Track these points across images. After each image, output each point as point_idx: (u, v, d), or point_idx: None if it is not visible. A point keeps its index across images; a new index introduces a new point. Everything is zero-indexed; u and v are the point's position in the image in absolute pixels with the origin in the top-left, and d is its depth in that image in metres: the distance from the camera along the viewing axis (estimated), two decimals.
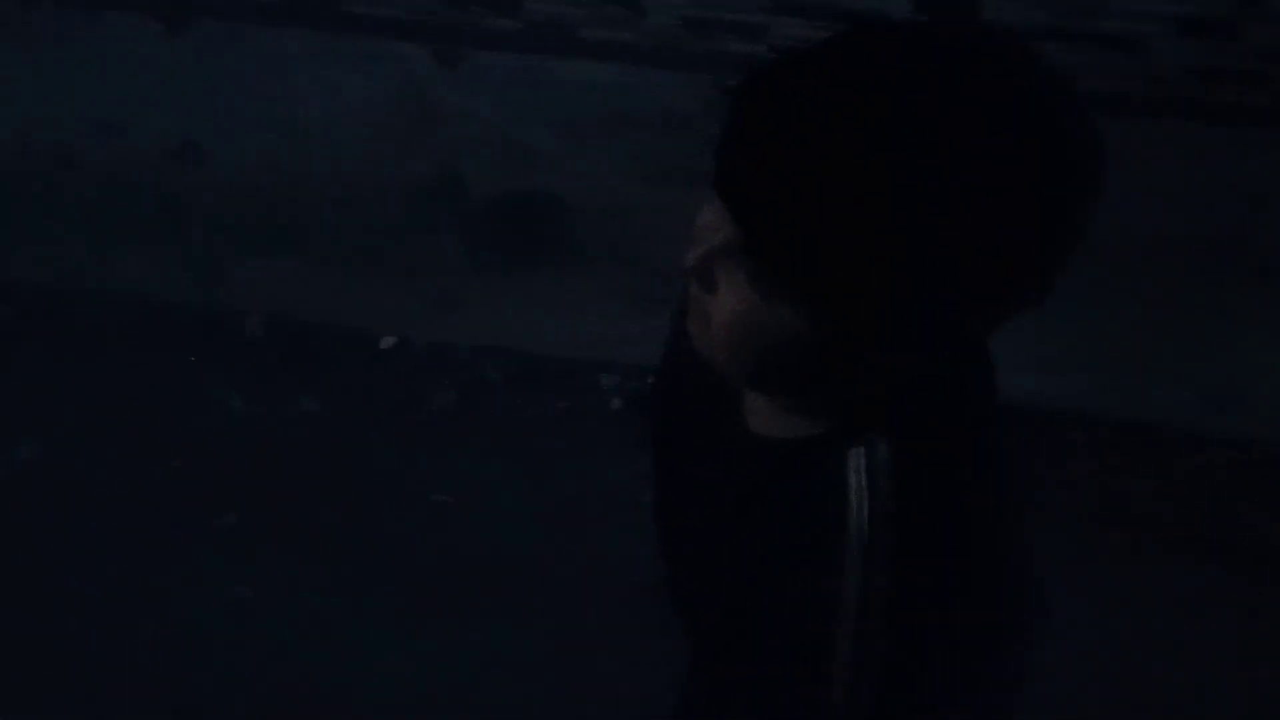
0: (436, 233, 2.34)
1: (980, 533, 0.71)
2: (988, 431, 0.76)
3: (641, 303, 2.28)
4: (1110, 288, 2.18)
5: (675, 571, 0.88)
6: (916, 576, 0.68)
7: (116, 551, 1.99)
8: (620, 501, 1.82)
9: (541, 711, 1.80)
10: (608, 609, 1.84)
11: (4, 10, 2.16)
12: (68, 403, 2.25)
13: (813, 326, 0.63)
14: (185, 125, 2.29)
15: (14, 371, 2.30)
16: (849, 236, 0.58)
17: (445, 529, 2.08)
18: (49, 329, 2.39)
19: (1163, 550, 2.09)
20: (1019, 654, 0.83)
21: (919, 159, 0.57)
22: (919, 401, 0.70)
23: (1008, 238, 0.59)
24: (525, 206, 2.29)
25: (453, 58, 2.15)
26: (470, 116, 2.20)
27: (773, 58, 0.63)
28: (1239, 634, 1.93)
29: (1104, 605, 1.96)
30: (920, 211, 0.57)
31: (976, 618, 0.72)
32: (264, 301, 2.45)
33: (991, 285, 0.61)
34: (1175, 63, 1.96)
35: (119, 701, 1.79)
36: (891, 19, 0.68)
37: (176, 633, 1.88)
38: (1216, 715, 1.84)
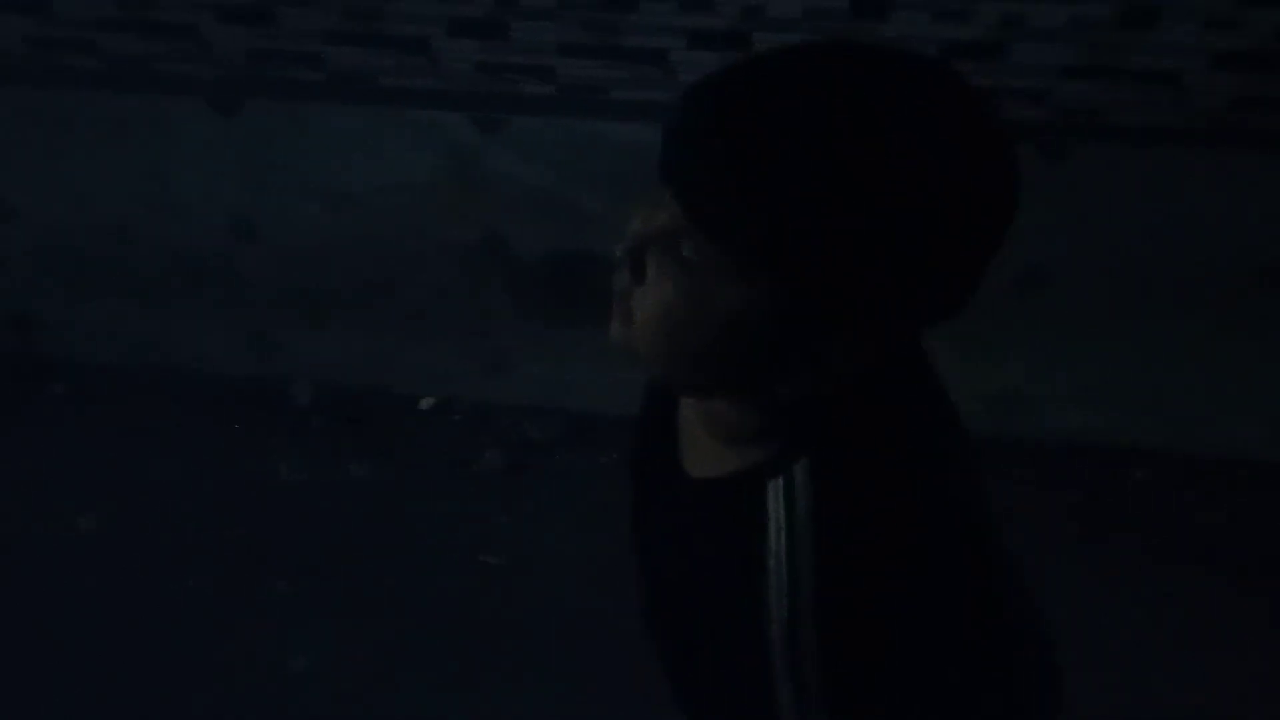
0: (483, 295, 2.37)
1: (921, 545, 0.67)
2: (932, 441, 0.72)
3: None
4: (1163, 321, 2.13)
5: (650, 609, 0.88)
6: (847, 595, 0.64)
7: (172, 621, 2.01)
8: None
9: None
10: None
11: (67, 96, 2.26)
12: (124, 475, 2.30)
13: (750, 304, 0.60)
14: (238, 201, 2.35)
15: (73, 445, 2.36)
16: (801, 202, 0.56)
17: (496, 590, 2.07)
18: (105, 402, 2.46)
19: (1235, 583, 2.01)
20: (1010, 661, 0.78)
21: (868, 125, 0.56)
22: (848, 415, 0.67)
23: (945, 209, 0.58)
24: (569, 266, 2.31)
25: (493, 124, 2.19)
26: (513, 180, 2.23)
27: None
28: (1242, 641, 1.86)
29: (1179, 639, 1.89)
30: (869, 176, 0.56)
31: (927, 628, 0.67)
32: (313, 368, 2.49)
33: (930, 261, 0.59)
34: (1215, 94, 1.93)
35: None
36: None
37: (230, 704, 1.88)
38: None
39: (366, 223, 2.32)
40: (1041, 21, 1.87)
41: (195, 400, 2.45)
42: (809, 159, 0.56)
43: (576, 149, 2.18)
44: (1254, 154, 1.96)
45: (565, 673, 1.90)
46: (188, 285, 2.45)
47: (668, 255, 0.63)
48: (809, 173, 0.56)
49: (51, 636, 1.96)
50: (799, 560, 0.65)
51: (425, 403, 2.46)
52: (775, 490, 0.67)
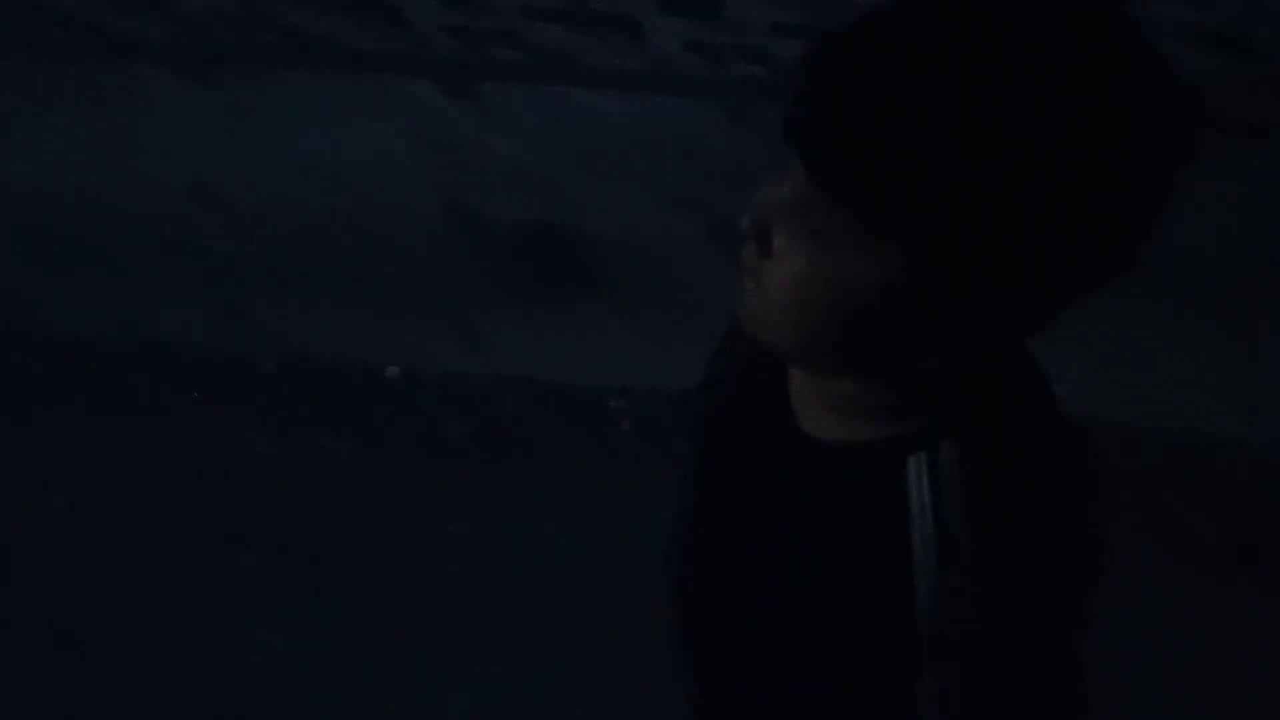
0: (454, 265, 2.36)
1: (1056, 532, 0.66)
2: (1050, 425, 0.70)
3: (658, 329, 2.28)
4: (1143, 304, 2.15)
5: (704, 601, 0.83)
6: (1001, 583, 0.62)
7: (144, 595, 2.00)
8: (639, 527, 1.81)
9: None
10: (634, 635, 1.82)
11: (29, 66, 2.22)
12: (95, 452, 2.27)
13: (890, 271, 0.56)
14: (206, 171, 2.33)
15: (43, 421, 2.34)
16: (933, 160, 0.53)
17: (465, 561, 2.08)
18: (73, 375, 2.43)
19: (1211, 567, 2.04)
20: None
21: (1023, 84, 0.52)
22: (980, 396, 0.64)
23: (1106, 175, 0.55)
24: (541, 237, 2.30)
25: (463, 91, 2.18)
26: (483, 149, 2.22)
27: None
28: (1239, 629, 1.89)
29: (1155, 622, 1.91)
30: (1007, 129, 0.52)
31: (1060, 646, 0.67)
32: (284, 341, 2.47)
33: (1085, 230, 0.55)
34: (1192, 74, 1.94)
35: None
36: None
37: (203, 674, 1.89)
38: None
39: (336, 193, 2.30)
40: None
41: (164, 372, 2.43)
42: (939, 113, 0.52)
43: (548, 118, 2.17)
44: (1245, 139, 1.97)
45: (534, 640, 1.91)
46: (156, 256, 2.42)
47: (796, 226, 0.59)
48: (940, 128, 0.52)
49: (22, 613, 1.96)
50: (948, 540, 0.62)
51: (391, 371, 2.46)
52: (918, 467, 0.63)
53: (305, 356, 2.46)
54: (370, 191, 2.29)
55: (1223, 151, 2.12)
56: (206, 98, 2.23)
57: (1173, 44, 1.92)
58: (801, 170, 0.58)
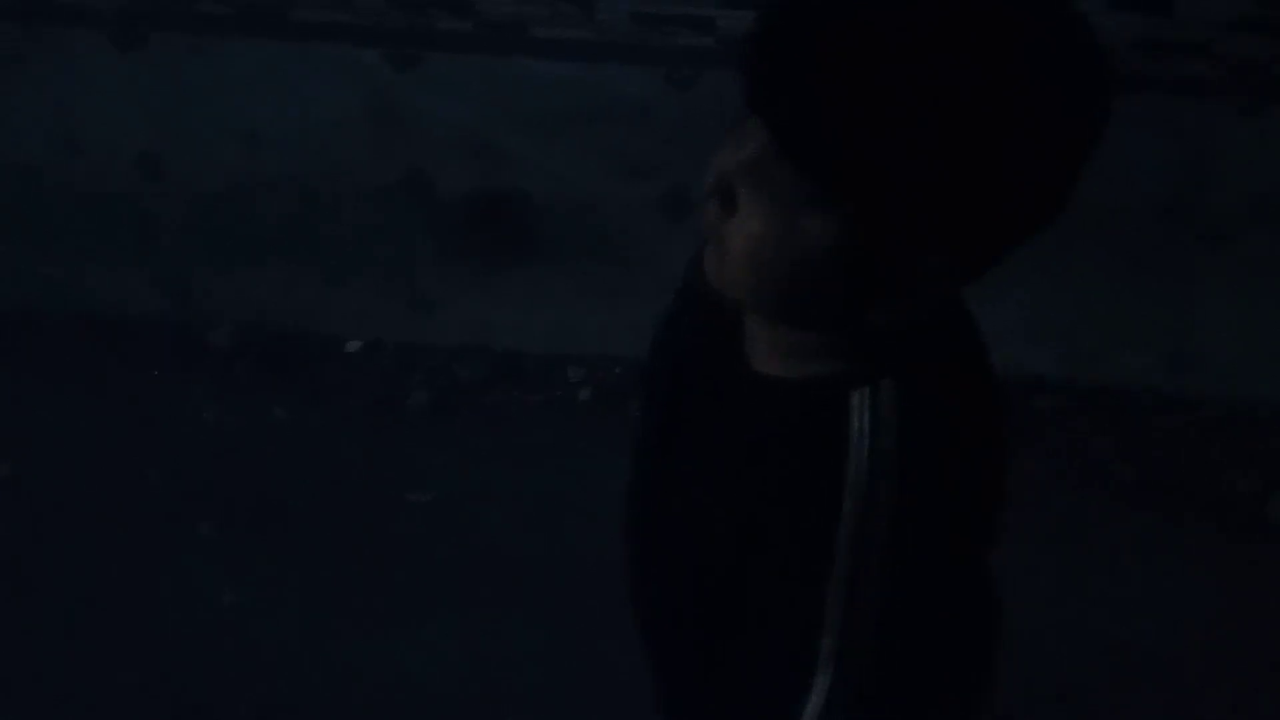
0: (404, 235, 2.36)
1: (976, 475, 0.71)
2: (979, 370, 0.76)
3: (609, 294, 2.31)
4: (1068, 257, 2.22)
5: (655, 535, 0.87)
6: (915, 520, 0.67)
7: (96, 565, 1.99)
8: (596, 491, 1.84)
9: (531, 707, 1.82)
10: (592, 599, 1.86)
11: None
12: (41, 422, 2.25)
13: (846, 230, 0.61)
14: (147, 139, 2.29)
15: None
16: (891, 125, 0.57)
17: (423, 528, 2.10)
18: (18, 348, 2.39)
19: (1128, 506, 2.14)
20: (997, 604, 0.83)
21: (960, 44, 0.57)
22: (919, 342, 0.69)
23: (1033, 131, 0.59)
24: (492, 205, 2.31)
25: (410, 60, 2.17)
26: (432, 118, 2.22)
27: None
28: (1204, 581, 1.98)
29: (1074, 560, 2.01)
30: (959, 94, 0.57)
31: (969, 562, 0.72)
32: (233, 311, 2.46)
33: (1016, 183, 0.60)
34: (1114, 36, 2.00)
35: (109, 713, 1.80)
36: None
37: (162, 641, 1.89)
38: (1189, 660, 1.89)
39: (282, 162, 2.28)
40: None
41: (111, 346, 2.40)
42: (884, 78, 0.56)
43: (496, 87, 2.17)
44: (1154, 97, 2.04)
45: (493, 607, 1.94)
46: (97, 227, 2.39)
47: (757, 186, 0.63)
48: (884, 92, 0.56)
49: None
50: (879, 471, 0.67)
51: (352, 345, 2.45)
52: (861, 400, 0.68)
53: (255, 327, 2.45)
54: (320, 161, 2.27)
55: (1158, 111, 2.21)
56: (147, 66, 2.20)
57: (1099, 10, 1.99)
58: (763, 132, 0.61)
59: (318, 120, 2.23)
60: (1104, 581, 1.99)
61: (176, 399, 2.31)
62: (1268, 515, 2.15)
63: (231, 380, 2.37)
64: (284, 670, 1.86)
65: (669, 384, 0.85)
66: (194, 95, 2.23)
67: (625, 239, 2.28)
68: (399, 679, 1.85)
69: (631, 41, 2.10)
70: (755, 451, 0.73)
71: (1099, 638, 1.90)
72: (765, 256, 0.64)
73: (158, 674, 1.85)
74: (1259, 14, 1.95)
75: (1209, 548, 2.06)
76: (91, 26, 2.17)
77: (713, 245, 0.67)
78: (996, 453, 0.74)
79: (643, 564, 0.92)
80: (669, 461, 0.84)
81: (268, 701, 1.82)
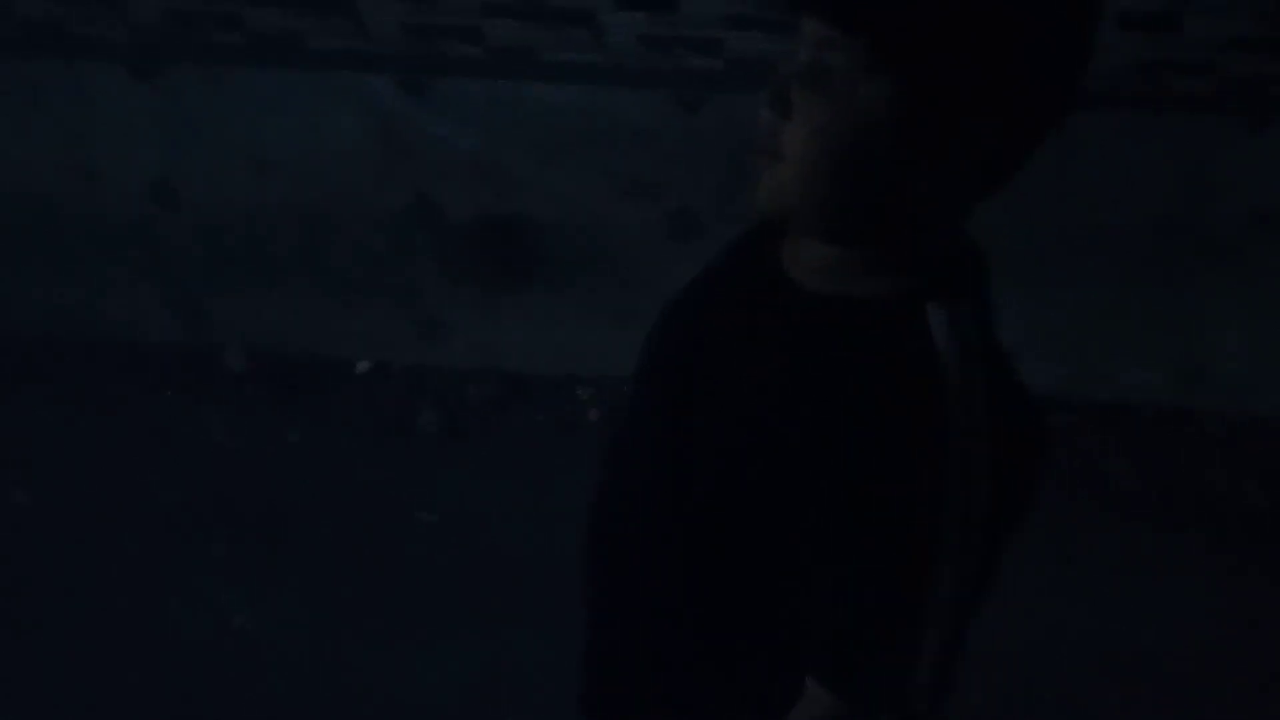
0: (414, 259, 2.38)
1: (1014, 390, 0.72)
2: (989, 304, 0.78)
3: (616, 315, 2.32)
4: (1076, 274, 2.24)
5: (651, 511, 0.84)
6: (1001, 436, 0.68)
7: (112, 587, 2.01)
8: None
9: None
10: None
11: None
12: (58, 446, 2.27)
13: (901, 98, 0.66)
14: (162, 167, 2.32)
15: (5, 418, 2.32)
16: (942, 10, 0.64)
17: (433, 547, 2.11)
18: (36, 373, 2.42)
19: (1138, 521, 2.14)
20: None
21: None
22: (962, 271, 0.73)
23: (1045, 25, 0.67)
24: (500, 228, 2.33)
25: (419, 86, 2.19)
26: (441, 143, 2.24)
27: None
28: (1214, 594, 1.99)
29: (1084, 573, 2.01)
30: None
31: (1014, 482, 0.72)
32: (245, 335, 2.48)
33: (1036, 66, 0.67)
34: (1121, 56, 2.02)
35: None
36: None
37: (175, 661, 1.89)
38: (1193, 665, 1.88)
39: (294, 188, 2.30)
40: None
41: (126, 369, 2.43)
42: None
43: (505, 111, 2.19)
44: (1169, 116, 2.05)
45: (501, 625, 1.94)
46: (113, 253, 2.42)
47: (814, 82, 0.68)
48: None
49: None
50: (977, 390, 0.69)
51: (362, 366, 2.47)
52: (938, 315, 0.71)
53: (267, 350, 2.47)
54: (330, 186, 2.30)
55: (1156, 128, 2.22)
56: (162, 95, 2.23)
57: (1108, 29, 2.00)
58: (814, 36, 0.68)
59: (328, 146, 2.26)
60: (1112, 594, 1.99)
61: (190, 421, 2.33)
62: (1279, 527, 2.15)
63: (244, 402, 2.39)
64: (294, 686, 1.86)
65: (683, 356, 0.85)
66: (207, 123, 2.26)
67: (631, 260, 2.30)
68: (409, 696, 1.85)
69: (640, 65, 2.13)
70: (820, 368, 0.73)
71: (1109, 650, 1.90)
72: (828, 146, 0.68)
73: (164, 691, 1.85)
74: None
75: (1219, 560, 2.07)
76: (111, 60, 2.20)
77: (767, 164, 0.71)
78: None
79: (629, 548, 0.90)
80: (678, 435, 0.82)
81: (278, 718, 1.82)
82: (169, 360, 2.45)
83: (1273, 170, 2.11)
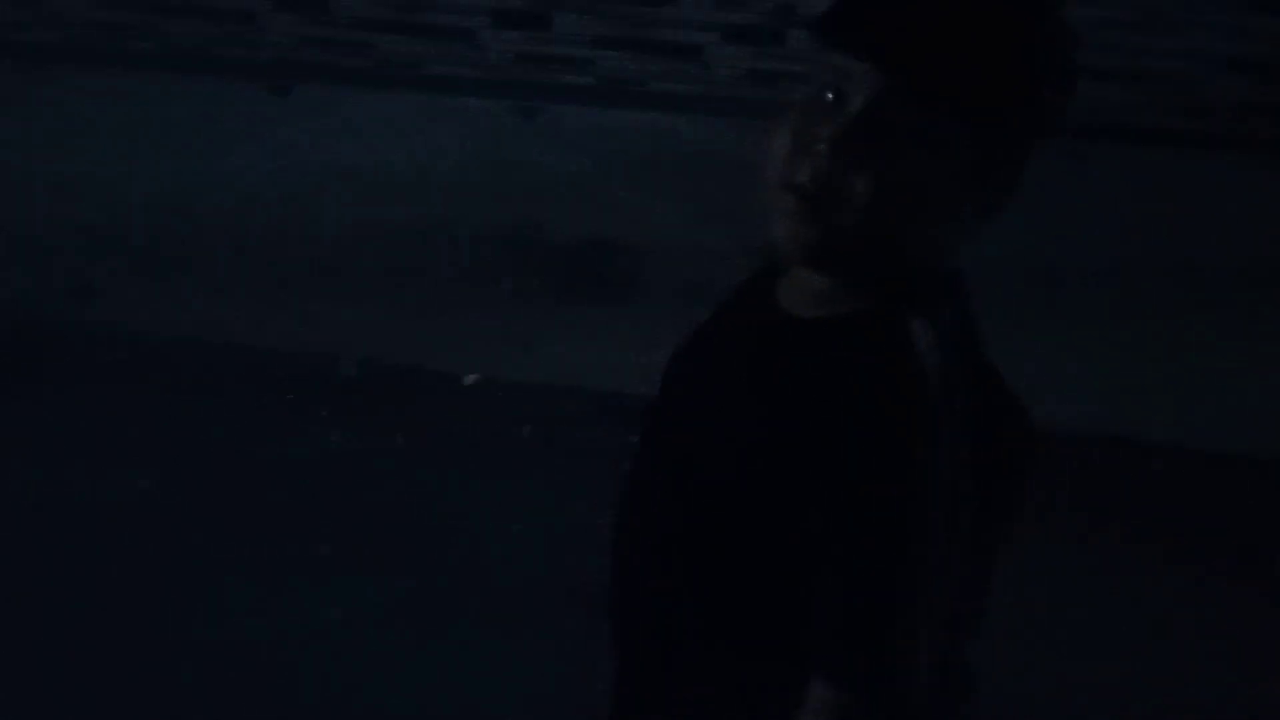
0: (516, 277, 2.45)
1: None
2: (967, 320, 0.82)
3: None
4: (1097, 315, 2.20)
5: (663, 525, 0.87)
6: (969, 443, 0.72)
7: (221, 574, 2.10)
8: None
9: None
10: None
11: (132, 77, 2.35)
12: (182, 440, 2.40)
13: (947, 142, 0.71)
14: (286, 182, 2.44)
15: (136, 412, 2.47)
16: (978, 47, 0.71)
17: (520, 556, 2.17)
18: (164, 372, 2.56)
19: (1163, 560, 2.11)
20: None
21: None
22: (938, 285, 0.77)
23: (1038, 45, 0.74)
24: (600, 251, 2.39)
25: (530, 112, 2.28)
26: (547, 167, 2.32)
27: None
28: (1237, 632, 1.97)
29: (1110, 610, 2.01)
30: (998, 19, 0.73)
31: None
32: (357, 345, 2.59)
33: (1021, 61, 0.74)
34: (1223, 98, 2.00)
35: (219, 717, 1.90)
36: None
37: (275, 652, 1.97)
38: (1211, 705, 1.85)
39: (406, 204, 2.40)
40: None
41: (246, 373, 2.54)
42: (956, 14, 0.71)
43: (609, 138, 2.26)
44: (1256, 159, 2.02)
45: (593, 632, 1.98)
46: (235, 262, 2.55)
47: (870, 133, 0.72)
48: (957, 19, 0.71)
49: (112, 581, 2.06)
50: (954, 400, 0.72)
51: (469, 379, 2.55)
52: (923, 329, 0.74)
53: (375, 360, 2.57)
54: (439, 205, 2.39)
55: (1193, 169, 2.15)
56: (287, 111, 2.35)
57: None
58: (863, 90, 0.72)
59: (441, 166, 2.35)
60: (1136, 634, 1.97)
61: (305, 425, 2.44)
62: None
63: (356, 408, 2.49)
64: (382, 686, 1.93)
65: (689, 387, 0.90)
66: (330, 141, 2.38)
67: (719, 284, 2.34)
68: (501, 693, 1.90)
69: (744, 95, 2.18)
70: (803, 385, 0.77)
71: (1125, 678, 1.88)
72: (901, 177, 0.72)
73: (262, 680, 1.92)
74: None
75: (1238, 601, 2.02)
76: (250, 78, 2.34)
77: (794, 202, 0.74)
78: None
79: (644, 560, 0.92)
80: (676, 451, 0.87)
81: (363, 712, 1.89)
82: (285, 367, 2.56)
83: None
